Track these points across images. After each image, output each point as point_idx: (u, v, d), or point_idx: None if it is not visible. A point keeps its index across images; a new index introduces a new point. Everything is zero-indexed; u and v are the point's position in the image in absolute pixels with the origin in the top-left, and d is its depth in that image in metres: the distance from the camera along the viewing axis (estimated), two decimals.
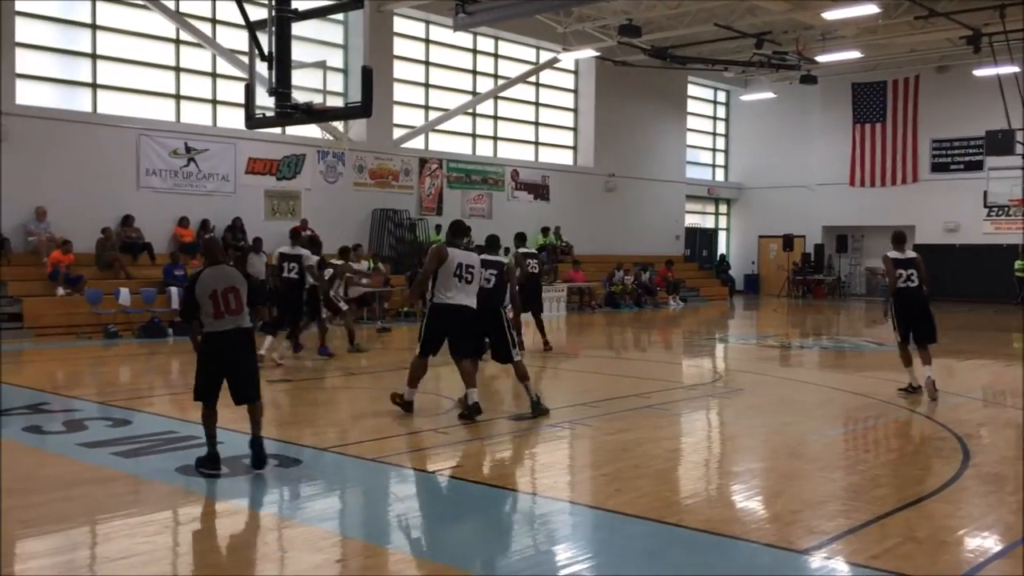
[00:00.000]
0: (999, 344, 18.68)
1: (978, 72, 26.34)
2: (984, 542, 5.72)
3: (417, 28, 25.12)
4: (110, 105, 19.42)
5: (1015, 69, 24.15)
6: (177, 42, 20.31)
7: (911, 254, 11.30)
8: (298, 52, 10.99)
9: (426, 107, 25.47)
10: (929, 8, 22.16)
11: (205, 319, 6.87)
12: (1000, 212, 28.22)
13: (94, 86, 19.29)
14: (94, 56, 19.24)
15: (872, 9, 21.43)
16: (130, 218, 18.95)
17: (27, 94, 18.12)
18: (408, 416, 9.14)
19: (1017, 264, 28.93)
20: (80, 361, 13.96)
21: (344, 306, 15.39)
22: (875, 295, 32.85)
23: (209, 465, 6.86)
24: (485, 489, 6.83)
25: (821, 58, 26.21)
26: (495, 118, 27.61)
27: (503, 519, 6.13)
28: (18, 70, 18.03)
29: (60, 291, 17.02)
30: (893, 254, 11.17)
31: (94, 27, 19.19)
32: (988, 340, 19.12)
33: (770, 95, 32.63)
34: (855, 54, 26.59)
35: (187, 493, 6.54)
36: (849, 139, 32.56)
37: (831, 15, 22.02)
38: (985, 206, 25.90)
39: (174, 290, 17.89)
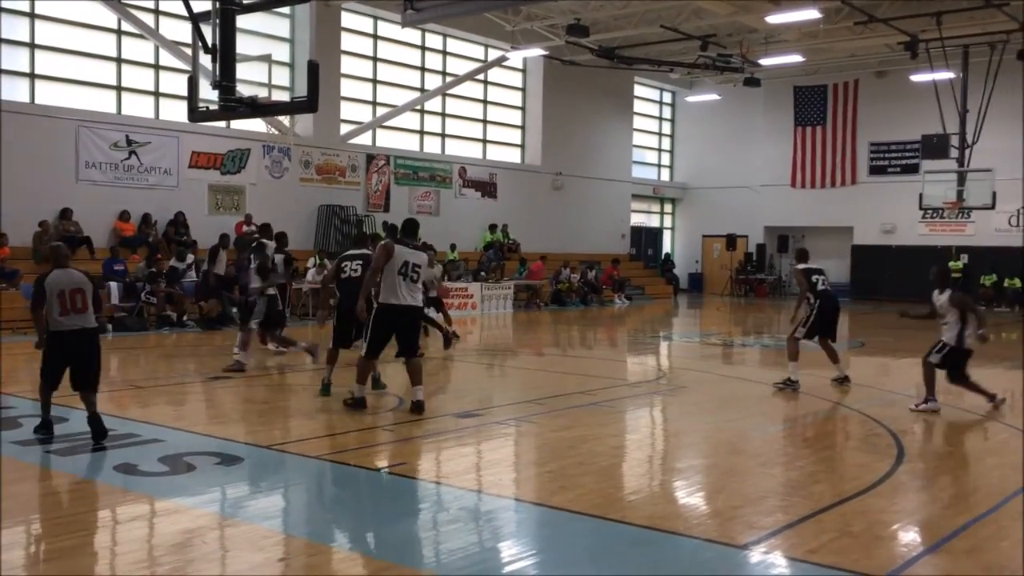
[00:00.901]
0: (932, 343, 19.09)
1: (915, 77, 26.98)
2: (918, 536, 5.88)
3: (365, 23, 24.97)
4: (48, 96, 18.98)
5: (950, 75, 24.79)
6: (119, 32, 19.91)
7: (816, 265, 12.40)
8: (243, 45, 10.86)
9: (374, 103, 25.32)
10: (869, 14, 22.63)
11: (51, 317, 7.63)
12: (935, 214, 28.93)
13: (32, 76, 18.83)
14: (32, 45, 18.78)
15: (814, 14, 21.83)
16: (68, 211, 18.54)
17: None
18: (354, 413, 9.10)
19: (951, 265, 29.69)
20: (15, 357, 13.61)
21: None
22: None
23: (44, 430, 7.83)
24: (429, 486, 6.84)
25: (764, 61, 26.62)
26: (443, 115, 27.55)
27: (447, 516, 6.14)
28: None
29: None
30: (803, 266, 12.10)
31: (32, 16, 18.73)
32: (923, 339, 19.48)
33: (715, 97, 33.06)
34: (797, 58, 27.06)
35: (125, 492, 6.44)
36: (791, 141, 33.13)
37: (774, 19, 22.38)
38: (920, 208, 26.51)
39: (114, 285, 17.57)
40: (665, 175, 37.07)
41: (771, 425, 9.62)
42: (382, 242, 9.58)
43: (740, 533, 5.71)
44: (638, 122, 34.80)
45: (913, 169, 29.62)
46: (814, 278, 11.91)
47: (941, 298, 10.60)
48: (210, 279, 17.61)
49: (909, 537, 5.84)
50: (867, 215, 31.43)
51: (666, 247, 37.10)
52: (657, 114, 36.62)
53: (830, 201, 32.30)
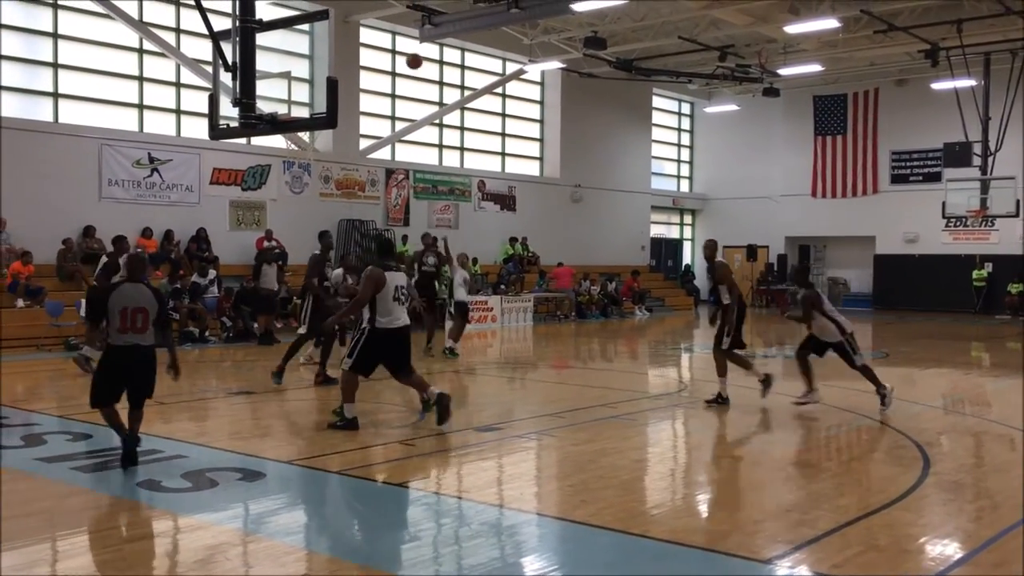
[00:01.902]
0: (958, 353, 18.97)
1: (936, 85, 26.81)
2: (945, 550, 5.80)
3: (384, 39, 25.11)
4: (72, 115, 19.20)
5: (972, 83, 24.62)
6: (140, 51, 20.13)
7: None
8: (263, 62, 10.94)
9: (392, 118, 25.44)
10: (888, 23, 22.53)
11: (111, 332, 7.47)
12: (958, 223, 28.69)
13: (55, 95, 19.06)
14: (56, 65, 19.02)
15: (833, 23, 21.77)
16: (91, 229, 18.71)
17: None
18: (375, 429, 9.10)
19: (975, 274, 29.43)
20: (40, 374, 13.73)
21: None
22: (836, 304, 33.21)
23: (126, 456, 7.46)
24: (451, 500, 6.82)
25: (783, 71, 26.55)
26: (462, 129, 27.63)
27: (469, 531, 6.12)
28: None
29: (20, 303, 16.76)
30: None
31: (56, 36, 18.98)
32: (947, 349, 19.41)
33: (733, 107, 32.99)
34: (816, 67, 26.97)
35: (149, 508, 6.46)
36: (811, 151, 32.98)
37: (793, 29, 22.35)
38: (943, 217, 26.32)
39: None
40: (684, 186, 36.99)
41: (794, 437, 9.54)
42: (367, 271, 9.07)
43: (764, 547, 5.65)
44: (657, 133, 34.76)
45: (935, 178, 29.41)
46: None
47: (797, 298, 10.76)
48: (260, 293, 17.73)
49: (936, 550, 5.77)
50: (889, 224, 31.21)
51: (686, 258, 36.97)
52: (676, 125, 36.57)
53: (851, 211, 32.11)
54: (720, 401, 10.84)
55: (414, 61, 11.06)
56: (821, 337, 10.70)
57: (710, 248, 11.35)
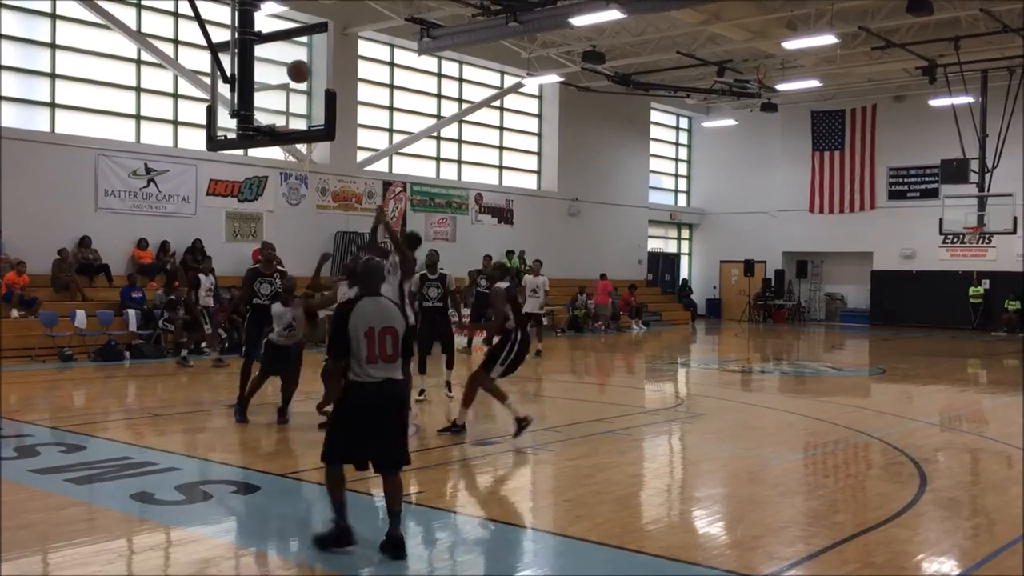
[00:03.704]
0: (955, 369, 18.96)
1: (934, 102, 26.88)
2: (942, 567, 5.77)
3: (382, 51, 25.16)
4: (69, 125, 19.19)
5: (969, 99, 24.70)
6: (138, 62, 20.14)
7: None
8: (261, 74, 10.93)
9: (390, 130, 25.46)
10: (886, 39, 22.61)
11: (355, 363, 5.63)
12: (955, 239, 28.72)
13: (53, 105, 19.05)
14: (53, 75, 19.02)
15: (830, 40, 21.84)
16: (87, 239, 18.67)
17: None
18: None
19: (972, 291, 29.46)
20: (34, 385, 13.68)
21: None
22: (834, 320, 33.27)
23: (334, 542, 5.63)
24: (446, 514, 6.78)
25: (781, 86, 26.62)
26: (459, 142, 27.66)
27: (465, 545, 6.07)
28: None
29: (14, 313, 16.70)
30: (504, 284, 9.85)
31: (53, 46, 18.99)
32: (944, 366, 19.40)
33: (731, 122, 33.07)
34: (814, 83, 27.05)
35: (142, 521, 6.42)
36: (808, 166, 33.03)
37: (791, 45, 22.42)
38: (941, 233, 26.35)
39: (131, 312, 17.65)
40: (682, 200, 37.04)
41: (791, 453, 9.51)
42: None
43: (761, 564, 5.62)
44: (654, 148, 34.82)
45: (933, 194, 29.44)
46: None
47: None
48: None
49: (933, 568, 5.74)
50: (887, 240, 31.24)
51: (683, 273, 36.99)
52: (674, 139, 36.65)
53: (849, 226, 32.15)
54: (456, 429, 9.40)
55: (297, 71, 10.87)
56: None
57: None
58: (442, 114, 26.70)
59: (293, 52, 21.87)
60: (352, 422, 5.61)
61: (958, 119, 24.23)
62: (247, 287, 11.02)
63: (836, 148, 32.51)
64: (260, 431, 10.14)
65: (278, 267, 11.22)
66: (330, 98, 10.65)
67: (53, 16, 18.92)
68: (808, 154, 32.94)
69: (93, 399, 13.08)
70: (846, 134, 32.29)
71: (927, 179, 30.49)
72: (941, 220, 25.35)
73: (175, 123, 20.91)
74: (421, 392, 11.51)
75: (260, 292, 10.79)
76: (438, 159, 27.05)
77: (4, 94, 18.41)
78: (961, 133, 24.16)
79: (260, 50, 10.91)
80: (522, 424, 9.07)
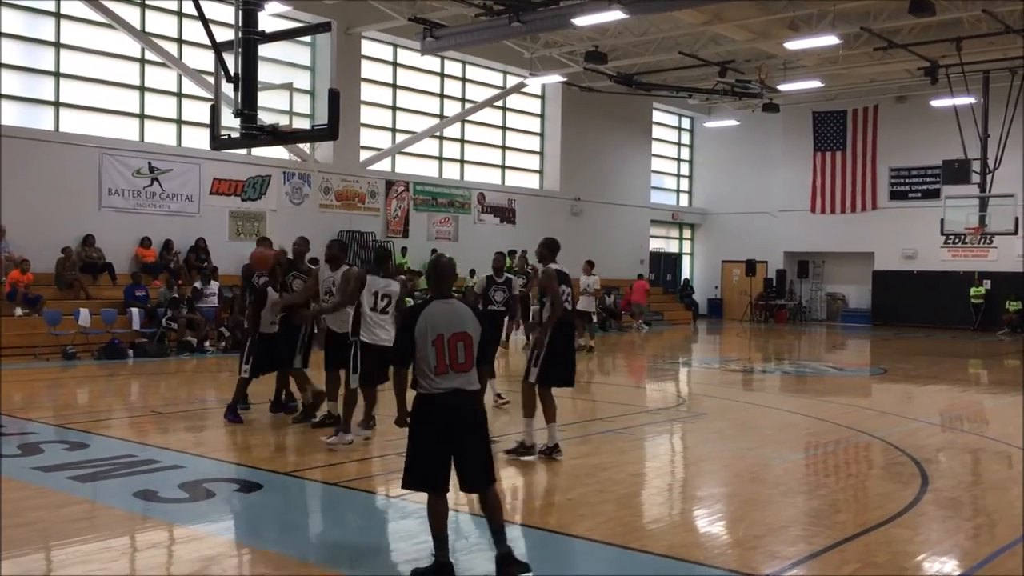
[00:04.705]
0: (956, 370, 18.96)
1: (935, 103, 26.88)
2: (943, 567, 5.79)
3: (385, 51, 25.18)
4: (73, 124, 19.22)
5: (971, 100, 24.70)
6: (142, 61, 20.17)
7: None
8: (264, 73, 10.96)
9: (393, 130, 25.48)
10: (888, 40, 22.61)
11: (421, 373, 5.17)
12: (957, 240, 28.74)
13: (57, 104, 19.08)
14: (57, 74, 19.05)
15: (832, 40, 21.84)
16: (91, 238, 18.71)
17: None
18: (372, 440, 9.07)
19: (973, 291, 29.46)
20: (37, 383, 13.72)
21: None
22: (836, 320, 33.27)
23: None
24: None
25: (783, 87, 26.63)
26: (462, 141, 27.68)
27: (467, 544, 6.10)
28: None
29: (18, 311, 16.73)
30: (556, 266, 8.60)
31: (58, 45, 19.02)
32: (945, 366, 19.40)
33: (733, 122, 33.09)
34: (816, 83, 27.05)
35: (145, 519, 6.44)
36: (810, 166, 33.03)
37: (793, 45, 22.42)
38: (942, 234, 26.36)
39: (135, 311, 17.68)
40: (684, 200, 37.05)
41: (792, 453, 9.52)
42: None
43: (762, 563, 5.64)
44: (656, 148, 34.84)
45: (934, 194, 29.46)
46: (562, 288, 8.45)
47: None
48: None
49: (934, 568, 5.75)
50: (888, 241, 31.24)
51: (685, 272, 37.00)
52: (676, 140, 36.66)
53: (850, 226, 32.15)
54: (544, 451, 8.46)
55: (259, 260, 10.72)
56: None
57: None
58: (445, 114, 26.72)
59: (296, 51, 21.94)
60: (423, 440, 5.13)
61: (960, 120, 24.23)
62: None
63: (838, 148, 32.50)
64: (263, 430, 10.17)
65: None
66: (333, 98, 10.68)
67: (57, 15, 18.95)
68: (810, 154, 32.93)
69: (96, 397, 13.12)
70: (848, 134, 32.29)
71: (928, 179, 30.49)
72: (942, 220, 25.37)
73: (179, 122, 20.94)
74: (498, 396, 11.29)
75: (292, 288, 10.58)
76: (441, 159, 27.07)
77: (9, 93, 18.46)
78: (963, 134, 24.16)
79: (264, 50, 10.94)
80: (523, 452, 8.39)
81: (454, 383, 5.08)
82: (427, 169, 26.59)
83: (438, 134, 26.70)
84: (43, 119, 18.94)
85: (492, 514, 5.23)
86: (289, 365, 10.21)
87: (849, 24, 21.85)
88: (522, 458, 8.32)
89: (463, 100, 27.33)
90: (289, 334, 10.07)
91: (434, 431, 5.10)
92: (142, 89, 20.32)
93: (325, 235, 22.73)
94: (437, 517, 5.16)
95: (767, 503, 7.24)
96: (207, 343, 18.04)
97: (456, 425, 5.10)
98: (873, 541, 6.13)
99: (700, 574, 5.46)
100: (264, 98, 10.94)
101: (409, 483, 5.24)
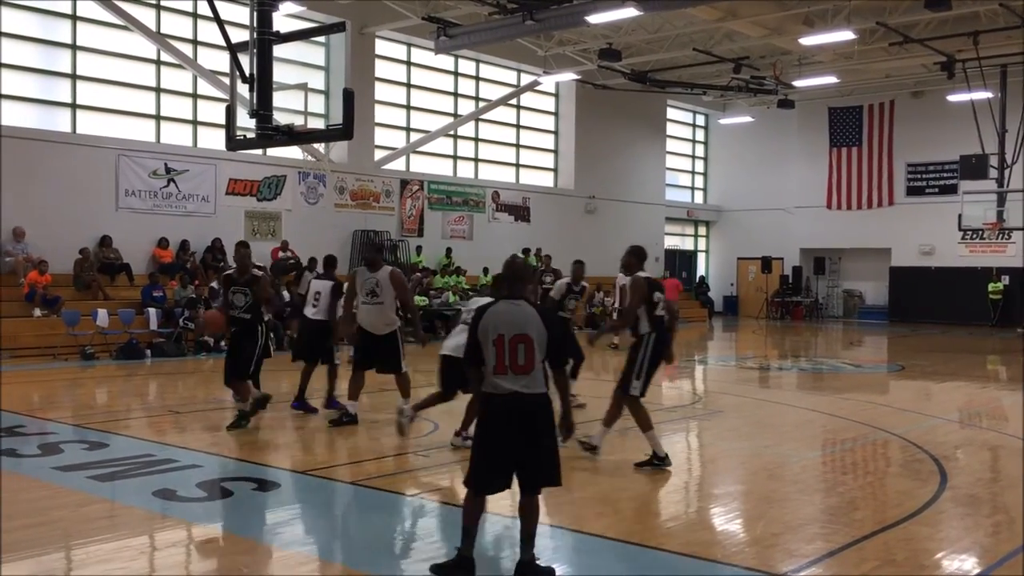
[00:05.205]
0: (974, 366, 18.85)
1: (952, 97, 26.70)
2: (962, 565, 5.76)
3: (399, 51, 25.22)
4: (89, 125, 19.35)
5: (988, 95, 24.52)
6: (158, 63, 20.28)
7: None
8: (279, 74, 11.02)
9: (407, 129, 25.53)
10: (904, 35, 22.48)
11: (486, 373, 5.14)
12: (974, 235, 28.54)
13: (74, 106, 19.21)
14: (74, 76, 19.18)
15: (848, 35, 21.73)
16: (108, 239, 18.84)
17: (6, 114, 18.00)
18: (387, 438, 9.10)
19: (991, 287, 29.26)
20: (56, 383, 13.82)
21: None
22: (853, 316, 33.11)
23: (454, 572, 5.13)
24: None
25: (798, 83, 26.51)
26: (476, 140, 27.70)
27: (483, 542, 6.10)
28: None
29: (37, 312, 16.87)
30: (644, 274, 8.49)
31: (74, 47, 19.15)
32: (963, 362, 19.28)
33: (748, 119, 32.97)
34: (831, 79, 26.91)
35: (164, 518, 6.48)
36: (826, 162, 32.89)
37: (808, 41, 22.32)
38: (960, 229, 26.19)
39: (152, 311, 17.79)
40: (699, 198, 36.96)
41: (809, 450, 9.49)
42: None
43: (780, 561, 5.62)
44: (671, 145, 34.76)
45: (951, 190, 29.29)
46: (656, 295, 8.35)
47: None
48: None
49: (954, 566, 5.72)
50: (905, 236, 31.07)
51: (700, 270, 36.91)
52: (690, 137, 36.56)
53: (867, 222, 31.99)
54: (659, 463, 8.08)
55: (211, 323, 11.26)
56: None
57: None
58: (459, 112, 26.75)
59: (311, 51, 22.01)
60: (485, 440, 5.14)
61: (977, 114, 24.06)
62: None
63: (854, 144, 32.34)
64: (280, 428, 10.21)
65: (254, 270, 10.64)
66: (348, 97, 10.72)
67: (73, 17, 19.08)
68: (825, 150, 32.79)
69: (115, 397, 13.20)
70: (864, 130, 32.12)
71: (946, 175, 30.31)
72: (960, 216, 25.21)
73: (195, 123, 21.05)
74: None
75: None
76: (455, 157, 27.10)
77: (26, 95, 18.61)
78: (980, 128, 24.00)
79: (278, 50, 10.99)
80: (588, 447, 8.42)
81: (514, 385, 5.05)
82: (441, 168, 26.62)
83: (452, 133, 26.73)
84: (60, 121, 19.08)
85: (527, 519, 5.18)
86: (329, 360, 10.70)
87: (864, 19, 21.72)
88: (665, 468, 8.05)
89: (477, 99, 27.35)
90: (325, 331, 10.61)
91: (494, 434, 5.11)
92: (158, 90, 20.43)
93: (341, 235, 22.95)
94: (471, 511, 5.16)
95: (785, 501, 7.21)
96: (224, 343, 18.09)
97: (514, 429, 5.06)
98: (892, 539, 6.10)
99: (718, 572, 5.45)
100: (279, 98, 11.00)
101: (470, 481, 5.22)
